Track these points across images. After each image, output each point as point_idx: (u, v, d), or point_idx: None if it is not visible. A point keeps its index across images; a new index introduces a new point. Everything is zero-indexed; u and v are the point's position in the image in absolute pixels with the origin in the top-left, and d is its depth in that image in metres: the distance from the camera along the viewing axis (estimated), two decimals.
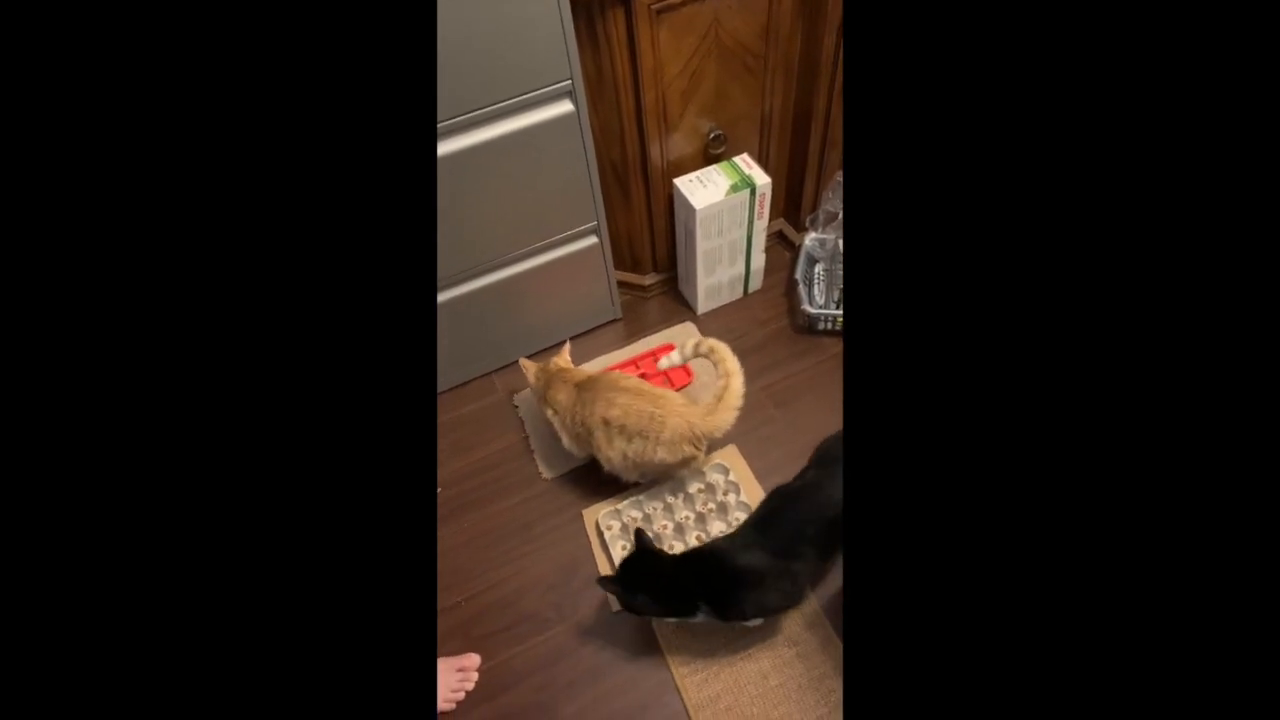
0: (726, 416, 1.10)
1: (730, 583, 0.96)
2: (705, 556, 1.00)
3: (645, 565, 0.98)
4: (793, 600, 1.01)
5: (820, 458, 1.05)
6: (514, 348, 1.42)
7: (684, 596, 0.97)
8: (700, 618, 0.98)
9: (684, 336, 1.40)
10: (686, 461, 1.11)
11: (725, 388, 1.11)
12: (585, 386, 1.14)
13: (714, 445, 1.17)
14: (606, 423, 1.09)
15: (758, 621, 1.03)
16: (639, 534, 1.00)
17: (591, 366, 1.36)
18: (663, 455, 1.08)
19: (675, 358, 1.18)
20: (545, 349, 1.44)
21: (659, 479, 1.20)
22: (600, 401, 1.10)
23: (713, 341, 1.14)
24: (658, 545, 1.03)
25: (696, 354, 1.16)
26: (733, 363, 1.12)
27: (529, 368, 1.23)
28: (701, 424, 1.08)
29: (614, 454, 1.11)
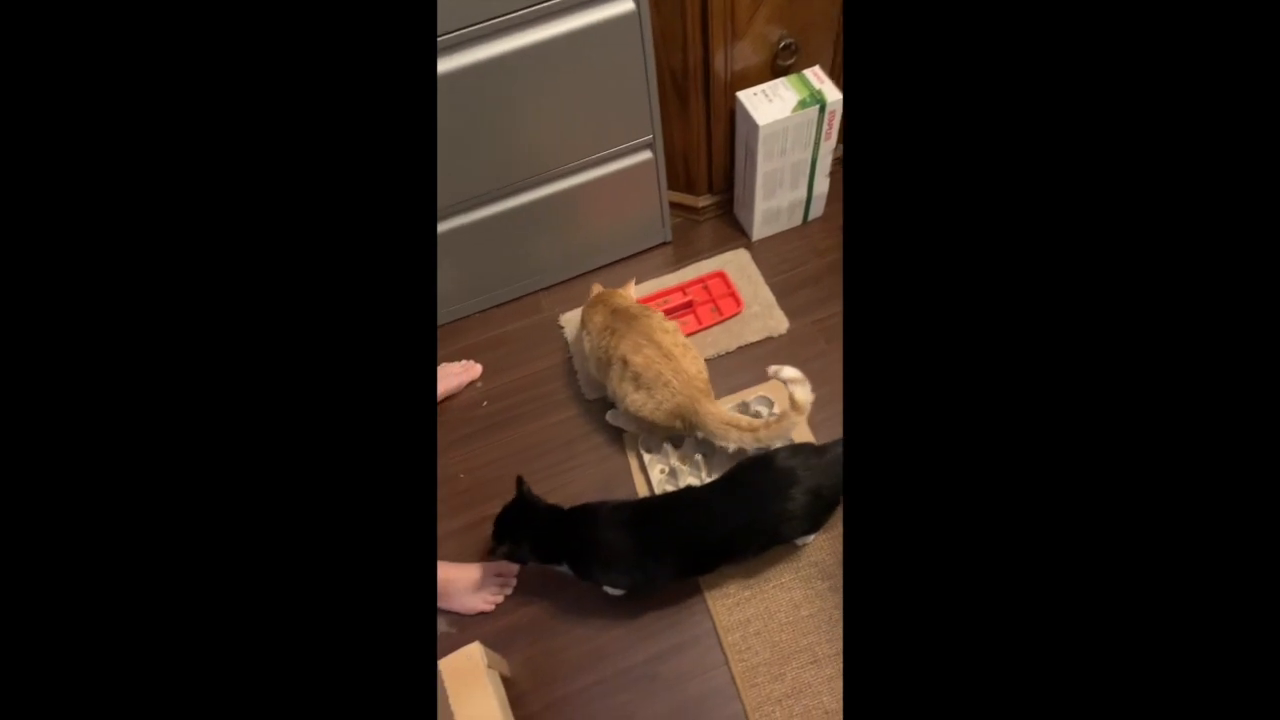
0: (721, 430, 1.04)
1: (587, 549, 0.98)
2: (577, 517, 1.00)
3: (521, 514, 1.01)
4: (640, 589, 1.04)
5: (731, 476, 1.00)
6: (560, 268, 1.39)
7: (552, 549, 1.00)
8: (564, 569, 1.00)
9: (783, 363, 1.08)
10: (669, 430, 1.11)
11: (756, 427, 1.03)
12: (621, 317, 1.12)
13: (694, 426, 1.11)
14: (625, 363, 1.09)
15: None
16: (519, 481, 1.03)
17: (637, 292, 1.33)
18: (657, 417, 1.09)
19: (787, 373, 1.01)
20: (591, 271, 1.41)
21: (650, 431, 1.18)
22: (628, 342, 1.09)
23: (806, 398, 1.00)
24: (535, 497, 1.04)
25: (787, 380, 1.01)
26: (783, 427, 1.01)
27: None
28: (700, 411, 1.05)
29: (618, 391, 1.12)
